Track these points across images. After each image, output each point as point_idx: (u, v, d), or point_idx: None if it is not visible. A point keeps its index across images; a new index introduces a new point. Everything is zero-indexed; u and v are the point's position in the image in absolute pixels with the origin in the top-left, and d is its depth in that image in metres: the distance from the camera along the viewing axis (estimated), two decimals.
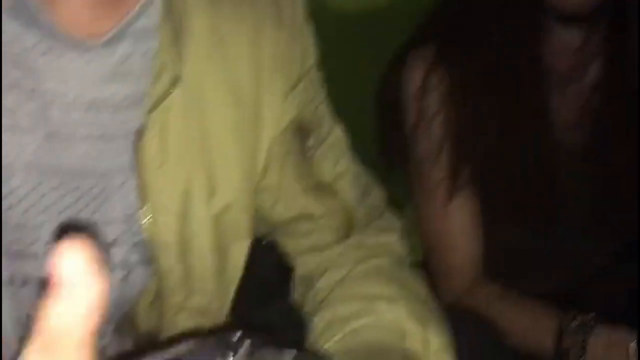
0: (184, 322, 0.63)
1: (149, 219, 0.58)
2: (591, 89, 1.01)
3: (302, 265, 0.69)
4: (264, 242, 0.73)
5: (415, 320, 0.61)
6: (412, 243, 0.81)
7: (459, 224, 1.03)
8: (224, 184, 0.61)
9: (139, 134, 0.56)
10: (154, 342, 0.63)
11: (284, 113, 0.65)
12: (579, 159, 1.01)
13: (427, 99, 1.00)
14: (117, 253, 0.59)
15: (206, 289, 0.63)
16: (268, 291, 0.85)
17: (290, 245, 0.70)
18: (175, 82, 0.57)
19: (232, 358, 0.34)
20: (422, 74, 1.00)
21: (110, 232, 0.58)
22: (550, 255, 1.05)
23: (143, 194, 0.57)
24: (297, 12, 0.67)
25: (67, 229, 0.55)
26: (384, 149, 1.12)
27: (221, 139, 0.60)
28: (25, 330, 0.55)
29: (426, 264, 1.07)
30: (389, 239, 0.71)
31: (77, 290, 0.20)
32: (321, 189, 0.68)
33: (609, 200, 1.01)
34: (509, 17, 0.95)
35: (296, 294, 0.71)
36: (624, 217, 1.01)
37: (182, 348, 0.33)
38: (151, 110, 0.56)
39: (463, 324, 0.72)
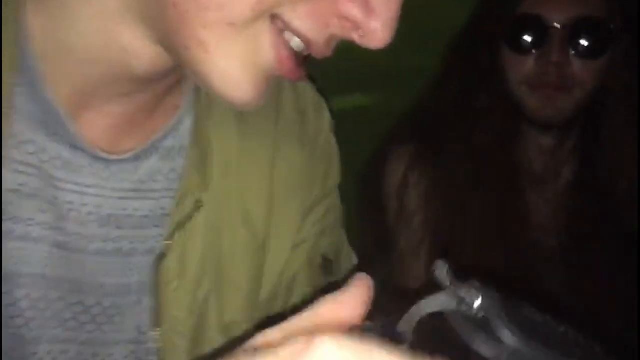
0: None
1: (161, 342, 0.56)
2: (565, 189, 1.04)
3: None
4: None
5: None
6: None
7: None
8: (232, 303, 0.61)
9: (160, 254, 0.55)
10: None
11: (296, 237, 0.64)
12: (556, 259, 1.03)
13: (408, 196, 1.02)
14: None
15: None
16: None
17: None
18: (198, 206, 0.56)
19: None
20: (401, 171, 1.03)
21: (117, 353, 0.56)
22: None
23: (157, 315, 0.56)
24: (323, 130, 0.66)
25: None
26: (366, 241, 1.13)
27: (232, 261, 0.60)
28: None
29: None
30: None
31: None
32: None
33: (587, 301, 1.01)
34: (487, 123, 0.99)
35: None
36: (605, 318, 1.01)
37: None
38: (173, 232, 0.55)
39: None
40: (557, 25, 0.94)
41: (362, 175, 1.11)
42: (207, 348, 0.59)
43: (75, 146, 0.52)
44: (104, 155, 0.53)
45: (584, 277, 1.00)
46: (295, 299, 0.67)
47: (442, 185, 1.01)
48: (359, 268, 0.77)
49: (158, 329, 0.56)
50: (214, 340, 0.59)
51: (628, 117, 0.97)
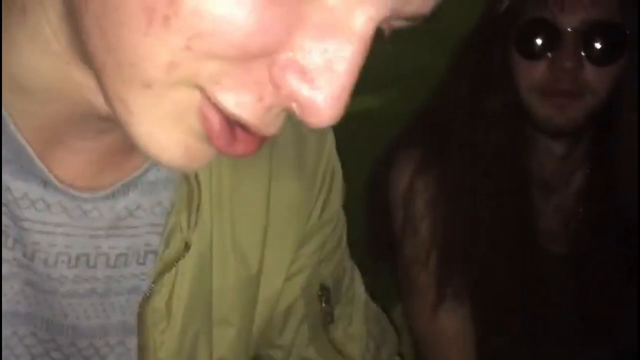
0: None
1: None
2: (575, 197, 1.02)
3: None
4: None
5: None
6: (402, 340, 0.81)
7: (450, 330, 1.02)
8: (223, 340, 0.59)
9: (146, 295, 0.53)
10: None
11: (291, 269, 0.63)
12: (566, 267, 1.01)
13: (414, 203, 1.01)
14: None
15: None
16: None
17: None
18: (187, 247, 0.53)
19: None
20: (408, 177, 1.01)
21: None
22: None
23: (143, 358, 0.54)
24: (324, 156, 0.64)
25: None
26: (373, 246, 1.11)
27: (222, 298, 0.58)
28: None
29: None
30: None
31: None
32: (332, 350, 0.69)
33: (597, 310, 1.00)
34: (496, 128, 0.97)
35: None
36: (615, 327, 0.99)
37: None
38: (161, 273, 0.53)
39: None
40: (569, 29, 0.92)
41: (368, 181, 1.09)
42: None
43: (45, 184, 0.48)
44: (75, 192, 0.49)
45: (594, 286, 0.98)
46: (291, 328, 0.66)
47: (449, 192, 0.99)
48: (364, 276, 0.76)
49: None
50: None
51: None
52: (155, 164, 0.52)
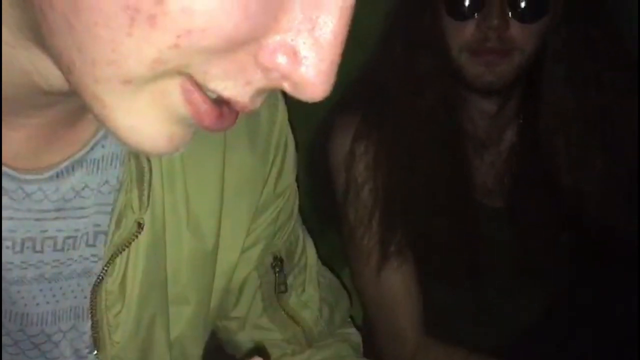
0: None
1: None
2: (508, 153, 1.06)
3: None
4: None
5: None
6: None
7: (395, 288, 1.05)
8: (180, 318, 0.59)
9: (98, 278, 0.52)
10: None
11: (246, 242, 0.63)
12: (501, 220, 1.05)
13: (355, 168, 1.02)
14: None
15: None
16: None
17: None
18: (140, 226, 0.52)
19: None
20: (347, 142, 1.03)
21: None
22: (483, 313, 1.07)
23: (98, 341, 0.53)
24: (276, 126, 0.63)
25: None
26: (316, 212, 1.13)
27: (178, 276, 0.58)
28: None
29: (369, 328, 1.07)
30: (346, 351, 0.75)
31: None
32: (285, 318, 0.71)
33: (530, 257, 1.04)
34: (430, 89, 0.99)
35: None
36: (545, 272, 1.05)
37: None
38: (113, 255, 0.52)
39: None
40: None
41: (310, 144, 1.10)
42: None
43: None
44: (16, 174, 0.47)
45: (527, 235, 1.03)
46: (246, 299, 0.68)
47: (387, 154, 1.01)
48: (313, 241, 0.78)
49: (99, 353, 0.53)
50: (162, 355, 0.57)
51: (567, 78, 0.99)
52: (101, 139, 0.51)
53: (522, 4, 0.94)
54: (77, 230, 0.52)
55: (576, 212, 1.01)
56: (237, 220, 0.61)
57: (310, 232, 0.78)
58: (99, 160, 0.51)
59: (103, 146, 0.51)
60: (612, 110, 0.99)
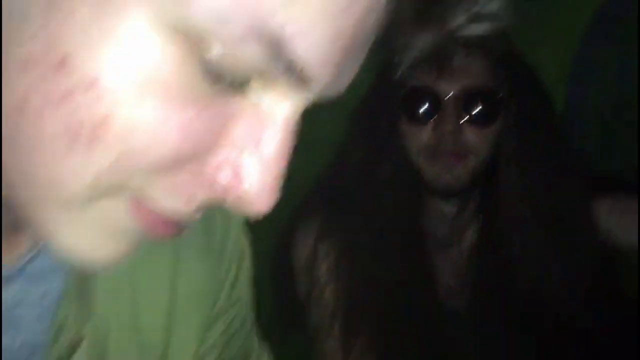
0: None
1: None
2: (468, 252, 1.07)
3: None
4: None
5: None
6: None
7: None
8: None
9: None
10: None
11: (200, 348, 0.60)
12: (465, 321, 1.04)
13: (317, 269, 1.02)
14: None
15: None
16: None
17: None
18: (79, 342, 0.50)
19: None
20: (309, 245, 1.03)
21: None
22: None
23: None
24: (229, 243, 0.62)
25: None
26: (280, 316, 1.10)
27: None
28: None
29: None
30: None
31: None
32: None
33: (494, 357, 1.03)
34: (390, 192, 1.01)
35: None
36: None
37: None
38: None
39: None
40: (448, 96, 0.99)
41: (273, 248, 1.09)
42: None
43: None
44: None
45: (490, 335, 1.02)
46: None
47: (349, 256, 1.01)
48: (272, 347, 0.75)
49: None
50: None
51: (520, 182, 1.02)
52: (42, 250, 0.49)
53: (475, 110, 0.99)
54: (21, 344, 0.49)
55: (536, 312, 1.01)
56: (187, 333, 0.59)
57: (274, 338, 0.76)
58: (40, 270, 0.49)
59: (45, 256, 0.49)
60: (564, 214, 1.02)
